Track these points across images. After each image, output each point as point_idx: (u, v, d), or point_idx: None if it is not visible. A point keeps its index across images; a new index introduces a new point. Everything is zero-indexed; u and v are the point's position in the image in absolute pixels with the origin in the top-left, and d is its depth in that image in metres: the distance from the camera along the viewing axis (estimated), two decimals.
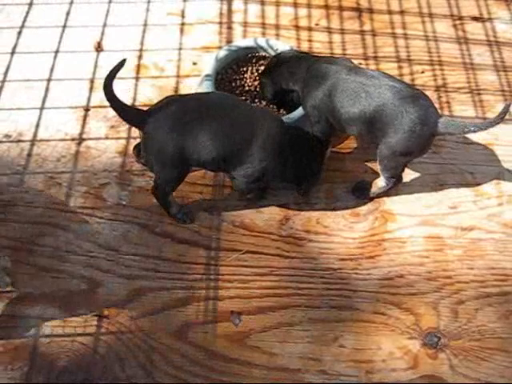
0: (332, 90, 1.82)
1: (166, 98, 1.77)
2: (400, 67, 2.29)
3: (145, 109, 1.75)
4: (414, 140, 1.77)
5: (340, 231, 1.91)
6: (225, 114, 1.73)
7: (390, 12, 2.48)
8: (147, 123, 1.70)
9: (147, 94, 2.18)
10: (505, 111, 1.72)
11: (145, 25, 2.37)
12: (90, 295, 1.76)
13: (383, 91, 1.77)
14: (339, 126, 1.88)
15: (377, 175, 1.97)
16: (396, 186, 1.93)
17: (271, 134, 1.77)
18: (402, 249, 1.88)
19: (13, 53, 2.26)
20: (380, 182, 1.92)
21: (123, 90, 2.16)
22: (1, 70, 2.22)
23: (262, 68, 2.08)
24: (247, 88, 2.06)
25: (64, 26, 2.35)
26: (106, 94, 1.70)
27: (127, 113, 1.73)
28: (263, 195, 1.94)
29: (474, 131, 1.78)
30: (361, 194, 1.97)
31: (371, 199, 1.96)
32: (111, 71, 1.70)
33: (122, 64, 1.71)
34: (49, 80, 2.19)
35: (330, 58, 2.00)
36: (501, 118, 1.73)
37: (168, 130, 1.69)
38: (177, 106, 1.72)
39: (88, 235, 1.86)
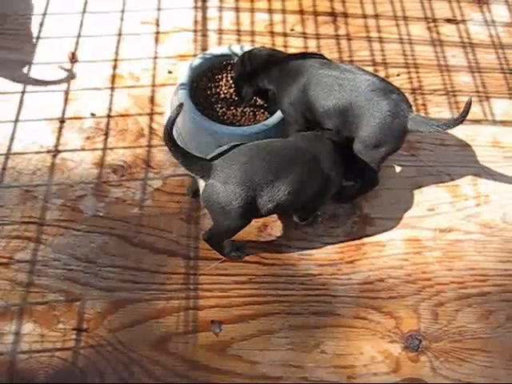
0: (306, 85, 1.83)
1: (231, 145, 1.69)
2: (376, 70, 2.29)
3: (208, 157, 1.68)
4: (384, 132, 1.78)
5: (319, 237, 1.90)
6: (297, 162, 1.69)
7: (364, 16, 2.49)
8: (213, 174, 1.64)
9: (123, 104, 2.16)
10: (467, 108, 1.72)
11: (119, 34, 2.36)
12: (68, 309, 1.74)
13: (356, 84, 1.79)
14: (316, 122, 1.88)
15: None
16: (372, 188, 1.94)
17: (333, 155, 1.77)
18: (381, 252, 1.88)
19: None
20: (361, 181, 1.92)
21: (99, 100, 2.17)
22: None
23: None
24: (222, 95, 2.05)
25: (38, 38, 2.33)
26: (166, 141, 1.63)
27: (190, 161, 1.66)
28: (317, 219, 1.94)
29: (442, 129, 1.77)
30: (339, 198, 1.96)
31: (350, 203, 1.97)
32: (170, 118, 1.60)
33: (180, 108, 1.60)
34: (23, 92, 2.17)
35: (302, 53, 2.00)
36: (463, 117, 1.73)
37: (238, 183, 1.63)
38: (246, 157, 1.65)
39: (65, 248, 1.84)
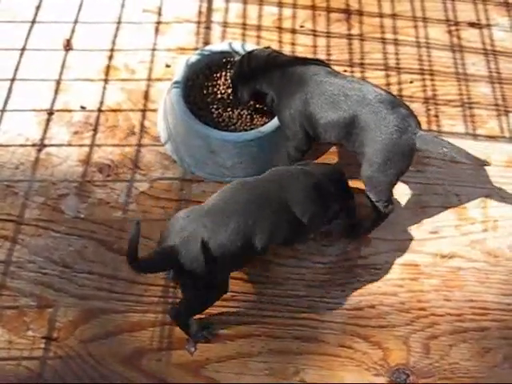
0: (309, 94, 1.72)
1: (180, 217, 1.54)
2: (387, 76, 2.15)
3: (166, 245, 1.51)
4: (391, 149, 1.64)
5: (310, 255, 1.79)
6: (264, 217, 1.55)
7: (380, 15, 2.32)
8: (180, 257, 1.49)
9: (115, 98, 2.05)
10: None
11: (118, 22, 2.23)
12: (39, 315, 1.66)
13: (363, 95, 1.67)
14: (316, 134, 1.76)
15: (356, 194, 1.87)
16: (387, 217, 1.77)
17: (307, 189, 1.62)
18: (375, 276, 1.76)
19: None
20: (371, 213, 1.78)
21: (91, 92, 2.06)
22: None
23: None
24: (219, 96, 1.92)
25: (33, 22, 2.22)
26: (132, 266, 1.45)
27: (157, 265, 1.52)
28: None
29: (450, 153, 1.65)
30: (353, 233, 1.82)
31: (362, 234, 1.82)
32: (133, 237, 1.41)
33: (138, 226, 1.41)
34: (13, 80, 2.07)
35: (305, 60, 1.87)
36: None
37: (204, 260, 1.49)
38: (206, 230, 1.49)
39: (42, 250, 1.76)
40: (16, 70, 2.10)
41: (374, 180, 1.70)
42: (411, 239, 1.83)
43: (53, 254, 1.76)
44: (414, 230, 1.84)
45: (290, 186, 1.62)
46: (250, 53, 1.86)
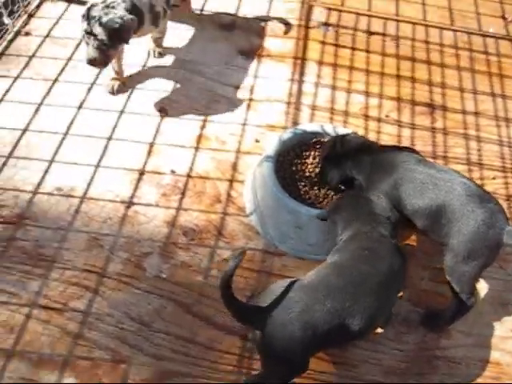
0: (398, 180, 1.75)
1: (287, 285, 1.52)
2: (470, 170, 2.18)
3: (260, 305, 1.51)
4: (477, 242, 1.64)
5: (387, 340, 1.75)
6: (366, 292, 1.54)
7: (463, 112, 2.39)
8: (268, 323, 1.49)
9: (205, 166, 2.12)
10: None
11: (213, 95, 2.35)
12: (112, 369, 1.65)
13: (452, 186, 1.69)
14: (403, 218, 1.76)
15: (434, 285, 1.85)
16: (468, 311, 1.73)
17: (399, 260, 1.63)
18: (454, 370, 1.71)
19: (79, 107, 2.26)
20: (452, 304, 1.75)
21: (182, 158, 2.14)
22: (65, 122, 2.21)
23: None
24: (308, 174, 1.97)
25: (133, 88, 2.35)
26: (221, 289, 1.46)
27: (243, 312, 1.53)
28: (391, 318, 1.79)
29: None
30: (433, 323, 1.79)
31: (442, 325, 1.79)
32: (231, 266, 1.44)
33: (241, 257, 1.45)
34: (109, 139, 2.18)
35: (396, 147, 1.93)
36: None
37: (296, 332, 1.48)
38: (302, 304, 1.49)
39: (121, 305, 1.77)
40: (113, 130, 2.20)
41: (457, 271, 1.69)
42: (492, 335, 1.78)
43: (131, 310, 1.77)
44: (496, 327, 1.80)
45: (384, 261, 1.60)
46: (343, 136, 1.91)
